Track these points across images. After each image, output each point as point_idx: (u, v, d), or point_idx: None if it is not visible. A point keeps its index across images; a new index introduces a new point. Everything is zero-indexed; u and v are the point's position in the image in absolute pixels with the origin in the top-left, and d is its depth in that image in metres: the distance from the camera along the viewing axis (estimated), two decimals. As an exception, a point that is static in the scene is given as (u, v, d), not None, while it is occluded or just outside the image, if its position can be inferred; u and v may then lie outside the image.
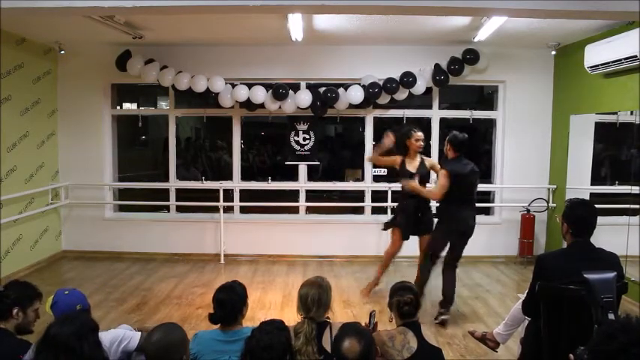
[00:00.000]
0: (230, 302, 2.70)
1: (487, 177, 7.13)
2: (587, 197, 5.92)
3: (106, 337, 2.49)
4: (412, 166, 5.12)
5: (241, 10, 4.04)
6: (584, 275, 2.36)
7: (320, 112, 6.47)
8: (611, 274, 2.36)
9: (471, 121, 6.98)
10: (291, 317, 4.23)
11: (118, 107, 7.32)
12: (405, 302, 2.65)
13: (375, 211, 6.98)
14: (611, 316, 2.21)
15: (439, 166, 4.95)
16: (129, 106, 8.00)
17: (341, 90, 6.32)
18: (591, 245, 2.63)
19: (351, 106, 6.41)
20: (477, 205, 6.78)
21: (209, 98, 6.56)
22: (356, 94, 6.28)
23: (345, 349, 2.11)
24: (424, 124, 7.15)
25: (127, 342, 2.52)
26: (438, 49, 6.41)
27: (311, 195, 7.06)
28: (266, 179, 7.01)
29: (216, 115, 7.04)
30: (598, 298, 2.28)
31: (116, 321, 4.26)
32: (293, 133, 6.88)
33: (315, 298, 2.65)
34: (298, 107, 6.37)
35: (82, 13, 4.24)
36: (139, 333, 2.64)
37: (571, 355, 1.77)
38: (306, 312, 2.65)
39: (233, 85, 6.35)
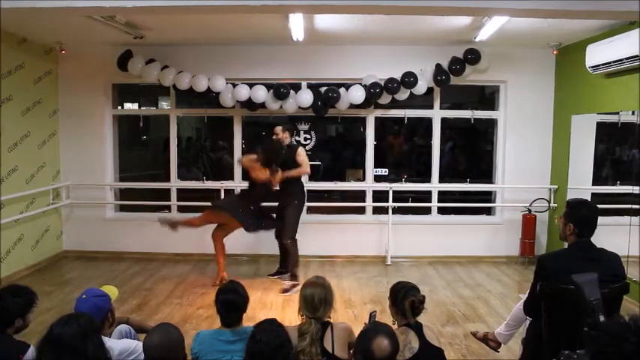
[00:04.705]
0: (235, 304, 2.71)
1: (488, 177, 7.14)
2: (589, 197, 5.91)
3: (116, 345, 2.49)
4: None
5: (242, 10, 4.05)
6: (573, 278, 2.35)
7: (321, 112, 6.46)
8: (594, 275, 2.35)
9: (472, 121, 6.98)
10: (292, 317, 4.23)
11: (119, 107, 7.33)
12: (420, 301, 2.64)
13: (376, 211, 6.98)
14: (602, 318, 2.20)
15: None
16: (130, 106, 8.00)
17: (342, 90, 6.32)
18: (592, 245, 2.63)
19: (353, 106, 6.40)
20: (478, 205, 6.92)
21: (210, 98, 6.56)
22: (357, 94, 6.27)
23: (376, 346, 2.12)
24: (425, 124, 7.17)
25: (136, 354, 2.51)
26: (439, 49, 6.40)
27: (312, 195, 7.04)
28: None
29: (217, 115, 7.05)
30: (588, 300, 2.27)
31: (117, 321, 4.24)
32: (294, 132, 6.87)
33: (321, 298, 2.65)
34: (299, 107, 6.37)
35: (83, 13, 4.25)
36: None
37: None
38: (313, 312, 2.64)
39: (234, 85, 6.35)
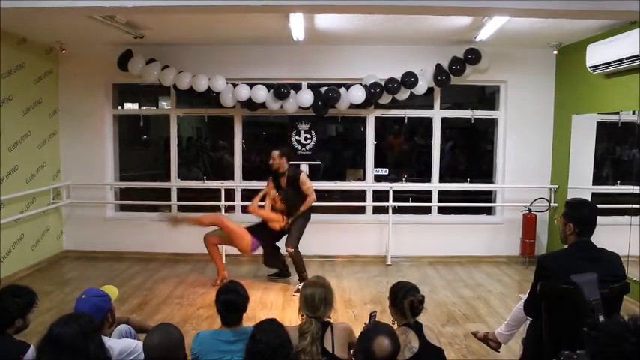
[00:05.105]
0: (236, 303, 2.71)
1: (489, 177, 7.14)
2: (589, 197, 5.91)
3: (116, 345, 2.48)
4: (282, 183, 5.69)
5: (242, 10, 4.05)
6: (572, 278, 2.34)
7: (321, 112, 6.46)
8: (593, 275, 2.35)
9: (473, 121, 6.98)
10: (292, 317, 4.23)
11: (120, 107, 7.33)
12: (419, 301, 2.64)
13: (377, 210, 6.98)
14: (601, 318, 2.19)
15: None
16: (130, 106, 8.01)
17: (342, 90, 6.32)
18: (593, 245, 2.62)
19: (353, 105, 6.41)
20: (478, 205, 6.93)
21: (210, 98, 6.56)
22: (357, 94, 6.27)
23: (377, 346, 2.12)
24: (425, 124, 7.17)
25: (136, 354, 2.51)
26: (439, 49, 6.40)
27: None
28: (267, 179, 6.98)
29: (218, 114, 7.05)
30: (587, 300, 2.27)
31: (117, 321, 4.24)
32: (294, 132, 6.88)
33: (322, 297, 2.65)
34: (300, 107, 6.37)
35: (83, 13, 4.25)
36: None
37: None
38: (313, 311, 2.64)
39: (234, 85, 6.35)
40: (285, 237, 5.68)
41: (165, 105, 7.87)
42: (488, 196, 7.15)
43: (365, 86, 6.30)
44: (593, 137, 6.15)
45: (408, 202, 7.01)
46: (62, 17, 4.97)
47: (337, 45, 6.49)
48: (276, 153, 5.58)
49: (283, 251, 5.79)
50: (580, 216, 2.63)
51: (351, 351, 2.69)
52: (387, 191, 6.67)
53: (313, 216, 6.80)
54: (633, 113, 5.30)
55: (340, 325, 2.73)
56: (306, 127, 6.88)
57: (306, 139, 6.87)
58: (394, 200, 6.67)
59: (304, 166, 6.86)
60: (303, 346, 2.52)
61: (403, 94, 6.34)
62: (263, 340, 2.18)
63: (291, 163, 6.82)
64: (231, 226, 5.55)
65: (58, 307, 4.69)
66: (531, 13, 4.03)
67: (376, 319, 2.74)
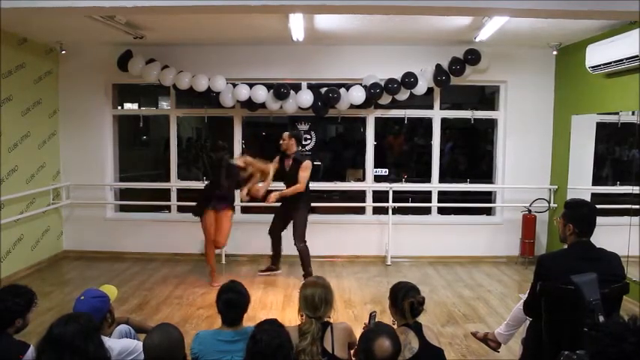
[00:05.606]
0: (237, 303, 2.71)
1: (488, 177, 7.14)
2: (589, 197, 5.92)
3: (115, 345, 2.48)
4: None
5: (242, 10, 4.04)
6: (572, 279, 2.34)
7: (321, 113, 6.46)
8: (593, 275, 2.35)
9: (472, 122, 6.98)
10: (292, 317, 4.23)
11: (119, 107, 7.33)
12: (419, 302, 2.64)
13: (377, 211, 6.98)
14: (601, 319, 2.19)
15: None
16: (130, 106, 8.00)
17: (342, 90, 6.32)
18: (592, 245, 2.62)
19: (353, 106, 6.41)
20: (478, 205, 6.93)
21: (210, 98, 6.55)
22: (357, 95, 6.27)
23: (377, 347, 2.13)
24: (425, 124, 7.17)
25: (136, 354, 2.51)
26: (439, 50, 6.40)
27: (312, 195, 7.04)
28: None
29: (218, 115, 7.04)
30: (587, 300, 2.27)
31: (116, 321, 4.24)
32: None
33: (322, 297, 2.65)
34: (299, 107, 6.37)
35: (83, 13, 4.25)
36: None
37: None
38: (314, 312, 2.63)
39: (234, 85, 6.35)
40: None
41: (165, 105, 7.87)
42: (488, 197, 7.15)
43: (365, 87, 6.30)
44: (592, 137, 6.15)
45: (408, 202, 7.02)
46: (62, 17, 4.97)
47: (337, 45, 6.49)
48: (286, 134, 5.66)
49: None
50: (580, 216, 2.63)
51: (351, 351, 2.69)
52: (387, 191, 6.68)
53: (314, 216, 6.83)
54: (633, 113, 5.31)
55: (340, 326, 2.73)
56: (305, 127, 6.88)
57: (305, 139, 6.87)
58: (394, 200, 6.67)
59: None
60: (303, 347, 2.52)
61: (403, 95, 6.34)
62: (263, 340, 2.18)
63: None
64: (223, 225, 5.69)
65: (58, 308, 4.68)
66: (531, 13, 4.03)
67: (376, 319, 2.74)
